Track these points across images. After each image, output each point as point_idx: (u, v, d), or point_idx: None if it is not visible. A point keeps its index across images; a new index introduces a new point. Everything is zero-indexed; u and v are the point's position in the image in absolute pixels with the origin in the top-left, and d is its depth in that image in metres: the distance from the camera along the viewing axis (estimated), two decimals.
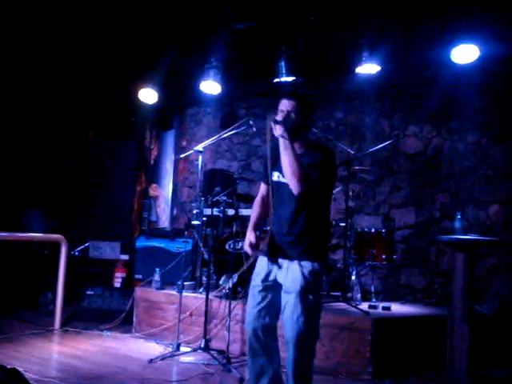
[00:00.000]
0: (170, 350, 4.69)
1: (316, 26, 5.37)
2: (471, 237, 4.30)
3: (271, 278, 3.08)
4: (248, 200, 5.70)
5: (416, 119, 6.25)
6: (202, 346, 4.58)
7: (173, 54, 5.98)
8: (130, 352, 4.75)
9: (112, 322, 5.63)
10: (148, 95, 6.29)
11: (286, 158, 2.91)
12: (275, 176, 3.12)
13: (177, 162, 8.14)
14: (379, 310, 4.77)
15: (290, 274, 3.00)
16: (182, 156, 6.05)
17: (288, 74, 5.89)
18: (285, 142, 2.94)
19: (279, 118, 3.02)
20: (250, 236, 3.20)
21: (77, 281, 6.46)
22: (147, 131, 8.11)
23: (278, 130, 2.97)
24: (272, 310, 3.08)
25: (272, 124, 2.99)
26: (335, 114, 6.86)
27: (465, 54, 4.96)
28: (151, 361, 4.38)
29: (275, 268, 3.08)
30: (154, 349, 4.83)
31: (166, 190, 8.17)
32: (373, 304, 4.84)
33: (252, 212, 3.39)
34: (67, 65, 6.43)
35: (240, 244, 4.97)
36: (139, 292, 5.57)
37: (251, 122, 5.22)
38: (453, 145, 5.98)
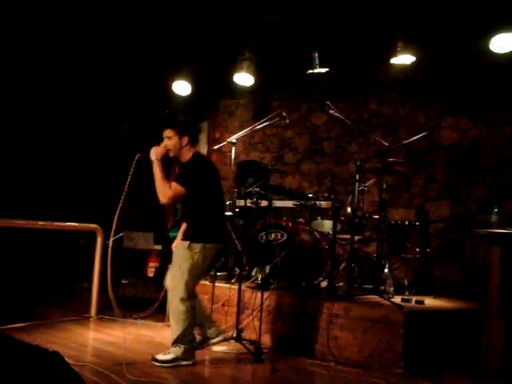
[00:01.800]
0: (203, 339, 4.74)
1: (350, 16, 5.32)
2: (508, 231, 4.21)
3: None
4: (281, 192, 5.70)
5: (452, 110, 6.14)
6: (234, 336, 4.61)
7: (206, 46, 6.01)
8: (164, 340, 4.81)
9: (146, 311, 5.73)
10: (182, 87, 6.34)
11: (155, 178, 4.05)
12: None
13: (210, 153, 8.19)
14: (412, 303, 4.72)
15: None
16: (215, 147, 6.10)
17: (321, 66, 5.85)
18: (154, 167, 4.06)
19: (153, 149, 4.10)
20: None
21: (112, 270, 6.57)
22: None
23: (152, 156, 4.07)
24: None
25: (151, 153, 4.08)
26: (369, 105, 6.80)
27: (503, 43, 4.85)
28: None
29: None
30: None
31: None
32: (406, 297, 4.80)
33: None
34: (103, 58, 6.53)
35: (273, 235, 4.99)
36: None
37: (284, 114, 5.21)
38: (490, 137, 5.85)
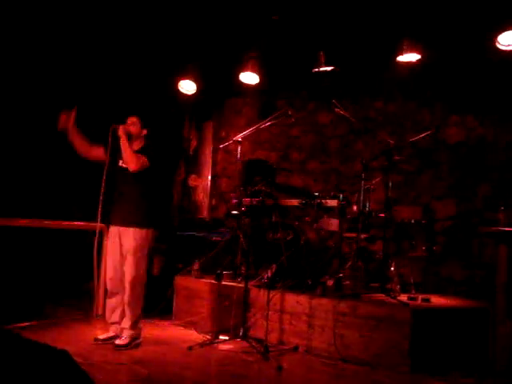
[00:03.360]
0: (209, 337, 4.76)
1: (356, 14, 5.31)
2: None
3: None
4: (287, 190, 5.70)
5: (458, 109, 6.12)
6: (241, 334, 4.63)
7: (212, 45, 6.01)
8: (170, 339, 4.84)
9: (152, 310, 5.73)
10: (187, 86, 6.34)
11: (123, 151, 4.46)
12: (120, 162, 4.58)
13: (216, 152, 8.20)
14: (419, 301, 4.72)
15: None
16: (221, 146, 6.10)
17: (327, 64, 5.85)
18: (122, 141, 4.47)
19: (121, 126, 4.52)
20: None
21: None
22: (186, 122, 8.19)
23: (119, 132, 4.49)
24: None
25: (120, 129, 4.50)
26: (375, 103, 6.78)
27: (510, 40, 4.83)
28: (191, 348, 4.46)
29: None
30: (194, 336, 4.91)
31: (205, 180, 8.25)
32: (412, 295, 4.79)
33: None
34: (110, 58, 6.54)
35: (279, 234, 4.99)
36: (179, 280, 5.66)
37: (290, 113, 5.20)
38: (496, 135, 5.83)
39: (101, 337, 4.52)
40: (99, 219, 4.46)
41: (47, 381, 2.43)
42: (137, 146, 4.62)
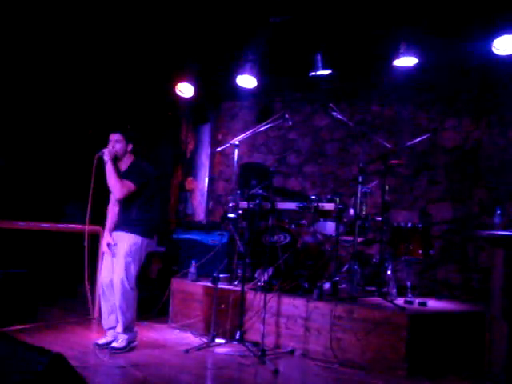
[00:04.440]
0: (206, 341, 4.75)
1: (353, 19, 5.32)
2: (511, 233, 4.20)
3: None
4: (284, 193, 5.71)
5: (454, 112, 6.14)
6: (237, 337, 4.62)
7: (209, 49, 6.02)
8: (167, 342, 4.83)
9: (148, 313, 5.73)
10: (185, 89, 6.34)
11: (108, 178, 4.40)
12: None
13: (213, 155, 8.20)
14: (415, 305, 4.73)
15: None
16: (218, 149, 6.08)
17: (324, 67, 5.86)
18: (107, 167, 4.39)
19: (106, 150, 4.43)
20: (107, 237, 4.63)
21: None
22: (183, 125, 8.19)
23: (104, 157, 4.40)
24: None
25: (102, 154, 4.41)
26: (371, 107, 6.80)
27: (506, 45, 4.84)
28: (187, 351, 4.45)
29: None
30: (190, 339, 4.91)
31: (201, 183, 8.24)
32: (408, 299, 4.80)
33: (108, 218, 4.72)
34: (107, 61, 6.54)
35: (276, 237, 4.99)
36: (175, 283, 5.65)
37: (287, 116, 5.20)
38: (492, 139, 5.85)
39: (100, 342, 4.49)
40: (87, 223, 4.49)
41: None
42: (125, 164, 4.59)
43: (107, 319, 4.56)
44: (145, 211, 4.56)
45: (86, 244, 4.50)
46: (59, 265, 6.92)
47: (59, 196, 7.16)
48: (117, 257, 4.49)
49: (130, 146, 4.59)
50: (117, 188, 4.39)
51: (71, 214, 6.99)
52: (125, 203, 4.56)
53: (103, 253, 4.69)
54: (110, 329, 4.55)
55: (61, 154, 7.30)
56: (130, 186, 4.43)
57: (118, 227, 4.60)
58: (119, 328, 4.44)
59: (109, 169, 4.39)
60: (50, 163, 7.15)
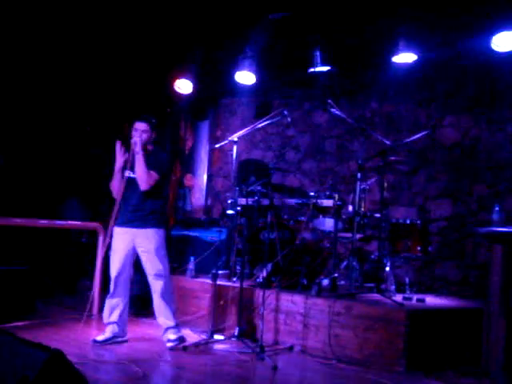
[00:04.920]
0: (204, 337, 4.76)
1: (352, 15, 5.31)
2: (510, 229, 4.21)
3: None
4: (282, 190, 5.71)
5: (453, 109, 6.14)
6: (236, 334, 4.63)
7: (208, 45, 6.00)
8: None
9: (147, 309, 5.72)
10: (183, 85, 6.33)
11: (138, 168, 4.37)
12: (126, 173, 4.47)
13: (211, 152, 8.20)
14: (413, 301, 4.73)
15: None
16: (217, 146, 6.09)
17: (323, 64, 5.85)
18: (138, 157, 4.36)
19: (138, 141, 4.39)
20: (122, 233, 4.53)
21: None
22: (182, 121, 8.19)
23: (135, 148, 4.37)
24: None
25: (132, 144, 4.39)
26: (370, 103, 6.80)
27: (505, 41, 4.84)
28: (186, 348, 4.45)
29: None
30: (189, 336, 4.90)
31: (200, 179, 8.24)
32: (407, 296, 4.81)
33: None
34: (104, 57, 6.53)
35: (274, 234, 5.00)
36: (174, 280, 5.64)
37: (286, 112, 5.21)
38: (491, 135, 5.86)
39: (99, 338, 4.48)
40: (112, 222, 4.44)
41: (41, 380, 2.43)
42: (147, 150, 4.55)
43: (110, 314, 4.54)
44: (158, 202, 4.55)
45: (101, 241, 4.52)
46: (58, 261, 6.93)
47: (57, 192, 7.16)
48: (146, 254, 4.45)
49: (154, 135, 4.58)
50: (144, 179, 4.36)
51: (68, 211, 7.00)
52: (140, 195, 4.46)
53: (113, 249, 4.56)
54: (110, 324, 4.54)
55: (58, 152, 7.29)
56: (155, 176, 4.42)
57: (132, 222, 4.48)
58: (169, 322, 4.48)
59: (139, 160, 4.36)
60: (47, 160, 7.15)
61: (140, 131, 4.45)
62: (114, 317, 4.54)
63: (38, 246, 6.66)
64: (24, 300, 5.36)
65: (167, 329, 4.49)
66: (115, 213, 4.45)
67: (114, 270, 4.51)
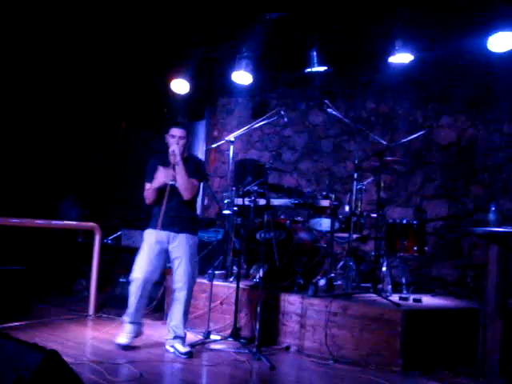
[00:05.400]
0: (201, 337, 4.75)
1: (349, 15, 5.32)
2: (506, 229, 4.22)
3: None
4: (279, 190, 5.70)
5: (450, 109, 6.15)
6: (232, 334, 4.62)
7: (204, 45, 6.00)
8: (162, 339, 4.80)
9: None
10: (180, 85, 6.33)
11: (181, 179, 4.28)
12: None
13: (208, 151, 8.19)
14: (410, 301, 4.74)
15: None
16: (214, 146, 6.10)
17: (319, 64, 5.86)
18: (179, 167, 4.26)
19: (177, 149, 4.29)
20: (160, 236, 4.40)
21: (110, 268, 6.58)
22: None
23: (175, 158, 4.27)
24: None
25: (170, 153, 4.31)
26: (367, 104, 6.80)
27: (502, 42, 4.85)
28: None
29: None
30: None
31: None
32: (403, 296, 4.81)
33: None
34: (101, 57, 6.52)
35: (271, 234, 4.99)
36: (170, 280, 5.63)
37: (282, 112, 5.20)
38: (488, 136, 5.87)
39: (122, 342, 4.35)
40: (159, 226, 4.27)
41: (37, 381, 2.42)
42: (183, 156, 4.44)
43: (135, 314, 4.43)
44: (195, 208, 4.58)
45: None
46: (54, 261, 6.91)
47: (54, 193, 7.15)
48: (179, 259, 4.35)
49: (190, 140, 4.57)
50: (188, 189, 4.31)
51: (64, 211, 6.99)
52: (179, 201, 4.36)
53: (145, 251, 4.41)
54: (133, 323, 4.44)
55: (55, 152, 7.29)
56: (196, 184, 4.41)
57: (172, 226, 4.36)
58: (180, 331, 4.36)
59: (181, 170, 4.27)
60: (44, 160, 7.14)
61: (177, 137, 4.36)
62: (137, 317, 4.46)
63: (34, 246, 6.64)
64: (20, 300, 5.34)
65: (176, 337, 4.36)
66: (157, 216, 4.30)
67: (143, 272, 4.35)
